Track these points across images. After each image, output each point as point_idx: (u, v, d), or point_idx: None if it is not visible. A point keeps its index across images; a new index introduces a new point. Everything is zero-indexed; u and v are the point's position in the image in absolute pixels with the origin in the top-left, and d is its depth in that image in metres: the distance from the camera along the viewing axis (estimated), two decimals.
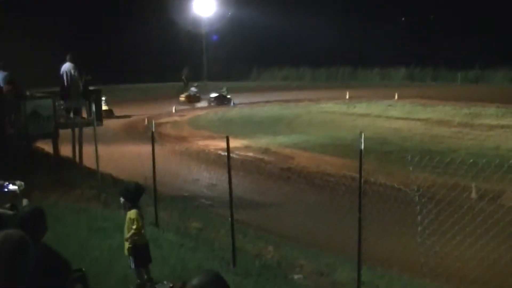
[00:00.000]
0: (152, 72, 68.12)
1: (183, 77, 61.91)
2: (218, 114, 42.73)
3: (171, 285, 4.70)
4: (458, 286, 11.45)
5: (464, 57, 63.47)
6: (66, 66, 22.63)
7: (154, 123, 16.45)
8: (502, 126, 33.16)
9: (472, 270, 12.27)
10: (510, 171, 21.24)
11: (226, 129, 30.45)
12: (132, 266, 10.12)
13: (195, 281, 3.61)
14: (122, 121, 38.44)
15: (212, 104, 48.07)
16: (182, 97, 49.94)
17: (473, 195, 17.51)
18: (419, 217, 12.12)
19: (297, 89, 61.07)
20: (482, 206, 16.66)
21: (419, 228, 12.13)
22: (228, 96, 49.15)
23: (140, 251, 10.04)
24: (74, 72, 22.43)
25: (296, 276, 11.08)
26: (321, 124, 35.95)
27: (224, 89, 49.54)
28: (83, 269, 5.52)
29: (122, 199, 10.04)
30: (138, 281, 10.11)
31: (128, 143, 28.91)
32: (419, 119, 37.22)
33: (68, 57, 22.79)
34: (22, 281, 4.09)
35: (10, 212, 6.44)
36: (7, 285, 3.99)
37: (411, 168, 13.39)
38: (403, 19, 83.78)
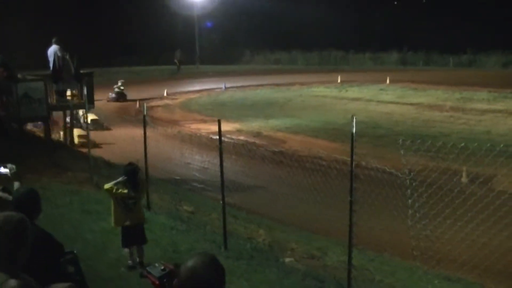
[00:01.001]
0: (145, 55, 68.01)
1: (175, 60, 61.84)
2: (210, 98, 42.69)
3: (162, 267, 4.69)
4: (448, 269, 11.51)
5: (456, 42, 63.49)
6: (53, 49, 22.52)
7: (146, 107, 16.41)
8: (494, 111, 33.25)
9: (462, 253, 12.37)
10: (501, 155, 21.37)
11: (218, 113, 30.48)
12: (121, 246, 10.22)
13: (190, 263, 3.59)
14: (113, 104, 38.36)
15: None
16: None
17: (464, 179, 17.59)
18: (409, 201, 12.16)
19: (290, 72, 60.98)
20: (473, 190, 16.79)
21: (410, 212, 12.18)
22: (124, 93, 41.19)
23: (127, 231, 10.11)
24: (60, 53, 22.30)
25: (287, 259, 11.13)
26: (313, 108, 35.96)
27: (120, 84, 41.44)
28: (75, 251, 5.54)
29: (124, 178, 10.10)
30: (130, 262, 10.16)
31: (120, 126, 28.87)
32: (410, 103, 37.26)
33: (54, 40, 22.67)
34: (22, 261, 4.13)
35: (10, 197, 6.45)
36: (7, 265, 4.02)
37: (402, 152, 13.34)
38: (395, 2, 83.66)
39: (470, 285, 10.70)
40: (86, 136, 19.55)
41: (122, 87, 40.91)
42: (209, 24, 78.67)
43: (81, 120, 25.74)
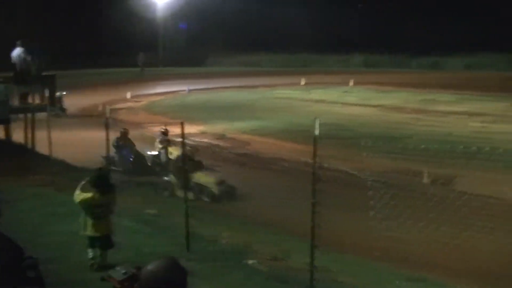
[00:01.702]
0: (109, 58, 67.45)
1: (139, 63, 61.54)
2: (174, 100, 42.56)
3: (124, 270, 4.69)
4: (410, 269, 11.64)
5: (420, 44, 64.11)
6: (17, 51, 22.36)
7: (109, 109, 16.33)
8: (456, 113, 33.71)
9: (423, 253, 12.53)
10: (461, 157, 21.72)
11: (183, 115, 30.36)
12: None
13: (150, 267, 3.61)
14: (76, 106, 38.02)
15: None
16: None
17: (425, 180, 17.80)
18: (371, 202, 12.28)
19: (254, 74, 61.04)
20: (434, 191, 17.04)
21: (372, 213, 12.31)
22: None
23: (93, 238, 10.02)
24: (24, 56, 22.16)
25: (250, 261, 11.14)
26: (278, 110, 36.06)
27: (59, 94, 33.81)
28: (35, 256, 5.49)
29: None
30: (92, 261, 10.08)
31: (82, 129, 28.61)
32: (374, 105, 37.59)
33: (19, 42, 22.54)
34: None
35: None
36: None
37: (365, 154, 13.48)
38: (360, 5, 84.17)
39: (431, 284, 10.83)
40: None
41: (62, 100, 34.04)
42: (182, 25, 78.28)
43: None
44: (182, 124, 12.17)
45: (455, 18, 66.14)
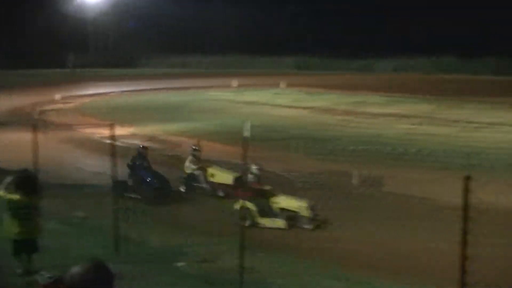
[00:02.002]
0: (39, 58, 66.20)
1: (68, 64, 60.70)
2: (105, 102, 42.07)
3: (49, 274, 4.63)
4: (341, 268, 11.79)
5: (350, 46, 65.04)
6: None
7: (38, 110, 16.03)
8: (384, 115, 34.33)
9: (353, 252, 12.73)
10: (390, 158, 22.22)
11: (113, 117, 30.01)
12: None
13: (76, 270, 3.57)
14: (4, 107, 37.18)
15: None
16: None
17: (355, 180, 18.06)
18: None
19: (186, 76, 60.84)
20: (363, 191, 17.34)
21: None
22: None
23: (18, 243, 9.82)
24: None
25: (179, 264, 11.11)
26: (209, 112, 36.03)
27: None
28: None
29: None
30: (19, 270, 9.88)
31: (9, 131, 27.95)
32: (305, 107, 37.95)
33: None
34: None
35: None
36: None
37: (295, 155, 13.64)
38: (291, 7, 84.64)
39: (359, 282, 10.99)
40: None
41: None
42: (132, 23, 77.27)
43: None
44: (111, 126, 12.07)
45: (384, 21, 67.38)
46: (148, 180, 17.44)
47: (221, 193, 17.59)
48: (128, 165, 17.71)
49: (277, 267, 11.52)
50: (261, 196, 15.30)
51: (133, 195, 17.00)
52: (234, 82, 51.58)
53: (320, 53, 68.83)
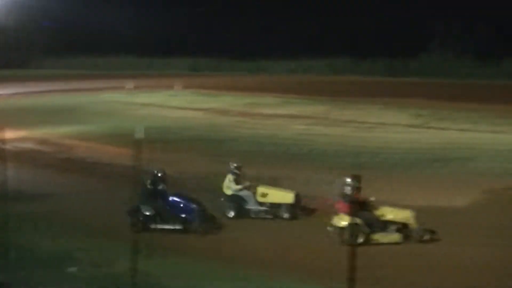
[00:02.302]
0: None
1: None
2: None
3: None
4: (235, 268, 11.85)
5: (245, 48, 65.39)
6: None
7: None
8: (280, 116, 34.74)
9: (248, 252, 12.85)
10: (285, 158, 22.54)
11: (2, 120, 29.09)
12: None
13: None
14: None
15: None
16: None
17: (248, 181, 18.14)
18: None
19: (81, 77, 59.62)
20: None
21: None
22: None
23: None
24: None
25: (70, 269, 10.89)
26: (104, 114, 35.48)
27: None
28: None
29: None
30: None
31: None
32: (200, 109, 37.94)
33: None
34: None
35: None
36: None
37: (189, 157, 13.63)
38: (187, 9, 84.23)
39: (253, 281, 11.07)
40: None
41: None
42: (46, 23, 74.70)
43: None
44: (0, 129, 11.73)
45: (278, 23, 68.10)
46: (191, 207, 14.88)
47: (286, 215, 15.69)
48: (146, 191, 15.04)
49: (171, 270, 11.46)
50: (364, 209, 13.82)
51: (166, 226, 14.61)
52: (130, 84, 50.86)
53: (215, 55, 68.85)
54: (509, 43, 53.38)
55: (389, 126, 30.74)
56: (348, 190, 13.62)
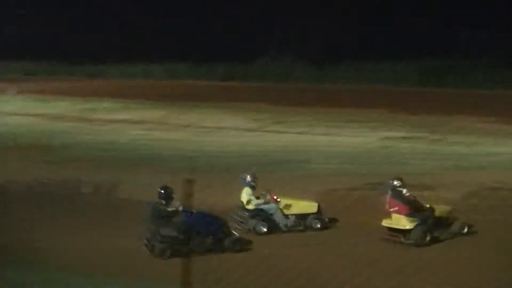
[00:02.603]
0: None
1: None
2: None
3: None
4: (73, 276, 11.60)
5: (80, 51, 63.94)
6: None
7: None
8: (117, 121, 34.28)
9: (85, 260, 12.60)
10: (124, 164, 22.29)
11: None
12: None
13: None
14: None
15: None
16: None
17: (85, 189, 17.82)
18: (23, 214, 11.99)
19: None
20: (95, 199, 17.13)
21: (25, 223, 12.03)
22: None
23: None
24: None
25: None
26: None
27: None
28: None
29: None
30: None
31: None
32: (34, 115, 36.64)
33: None
34: None
35: None
36: None
37: (19, 164, 13.15)
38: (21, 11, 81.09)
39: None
40: None
41: None
42: None
43: None
44: None
45: (115, 26, 67.10)
46: (218, 223, 13.73)
47: (318, 225, 15.14)
48: (163, 213, 13.54)
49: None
50: (419, 210, 13.96)
51: (197, 248, 12.57)
52: None
53: (52, 58, 66.70)
54: (344, 49, 55.46)
55: (227, 130, 31.21)
56: (405, 191, 13.97)
